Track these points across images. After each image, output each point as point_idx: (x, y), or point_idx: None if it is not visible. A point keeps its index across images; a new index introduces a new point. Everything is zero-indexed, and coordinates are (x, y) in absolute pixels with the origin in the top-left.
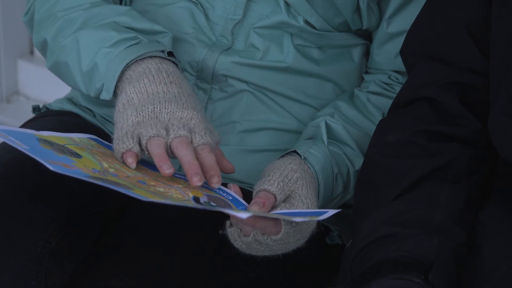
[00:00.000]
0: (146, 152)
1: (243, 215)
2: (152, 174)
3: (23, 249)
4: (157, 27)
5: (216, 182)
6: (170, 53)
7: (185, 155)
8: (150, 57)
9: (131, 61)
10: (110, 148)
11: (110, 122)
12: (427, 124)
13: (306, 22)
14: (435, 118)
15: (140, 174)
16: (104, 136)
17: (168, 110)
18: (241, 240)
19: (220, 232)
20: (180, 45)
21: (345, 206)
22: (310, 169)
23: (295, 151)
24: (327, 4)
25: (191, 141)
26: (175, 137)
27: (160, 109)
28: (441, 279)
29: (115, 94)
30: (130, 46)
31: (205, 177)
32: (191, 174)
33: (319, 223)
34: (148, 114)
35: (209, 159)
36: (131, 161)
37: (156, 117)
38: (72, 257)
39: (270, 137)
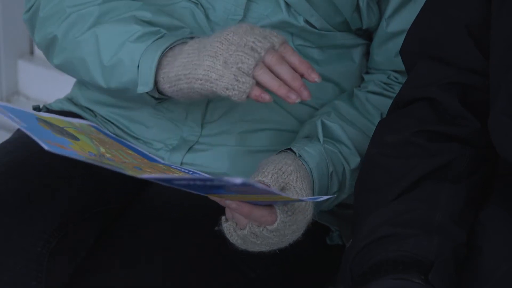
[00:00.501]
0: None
1: (238, 180)
2: (148, 163)
3: (23, 249)
4: (176, 22)
5: (316, 77)
6: None
7: (285, 72)
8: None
9: (166, 49)
10: (110, 136)
11: (111, 122)
12: (427, 124)
13: (306, 21)
14: (435, 118)
15: (137, 162)
16: None
17: (230, 36)
18: (237, 234)
19: (216, 228)
20: None
21: (345, 207)
22: (304, 165)
23: (290, 149)
24: (327, 3)
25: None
26: (266, 54)
27: (225, 37)
28: (441, 279)
29: (156, 84)
30: (156, 40)
31: (303, 75)
32: (300, 89)
33: (319, 222)
34: (222, 49)
35: (294, 57)
36: (267, 96)
37: (232, 44)
38: (72, 257)
39: (270, 138)
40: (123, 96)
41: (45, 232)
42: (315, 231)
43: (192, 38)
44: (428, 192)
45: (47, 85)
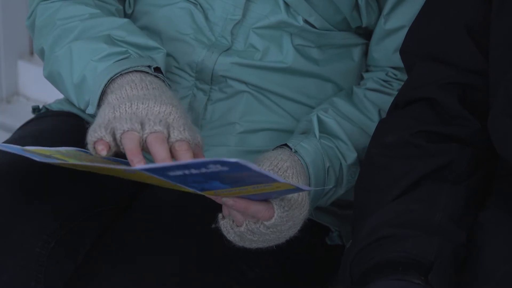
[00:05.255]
0: (122, 147)
1: (232, 160)
2: (142, 175)
3: (22, 250)
4: (151, 43)
5: None
6: (157, 70)
7: (158, 152)
8: (136, 71)
9: (115, 75)
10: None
11: None
12: (427, 125)
13: (306, 21)
14: (435, 118)
15: (132, 172)
16: None
17: (146, 106)
18: (233, 231)
19: (213, 225)
20: (180, 46)
21: (345, 207)
22: (300, 160)
23: (286, 145)
24: (326, 2)
25: (169, 136)
26: (151, 133)
27: (137, 104)
28: (440, 280)
29: (99, 107)
30: (118, 60)
31: None
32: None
33: (319, 222)
34: (125, 110)
35: (185, 157)
36: (101, 148)
37: (133, 113)
38: (71, 257)
39: (270, 138)
40: None
41: (45, 232)
42: (315, 231)
43: (150, 66)
44: (428, 192)
45: (47, 85)
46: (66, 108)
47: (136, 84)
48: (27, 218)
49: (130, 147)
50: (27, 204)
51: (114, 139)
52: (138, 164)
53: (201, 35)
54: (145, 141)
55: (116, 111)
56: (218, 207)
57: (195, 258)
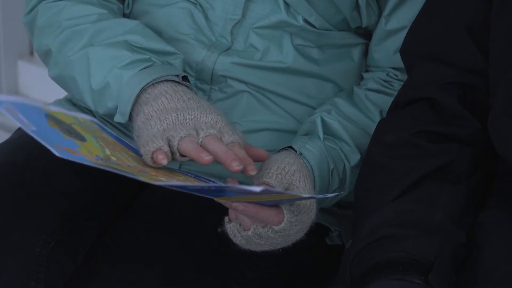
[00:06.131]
0: (178, 155)
1: (257, 188)
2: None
3: (22, 250)
4: (169, 48)
5: (252, 170)
6: (185, 78)
7: (218, 147)
8: (166, 80)
9: (147, 84)
10: (111, 135)
11: (110, 123)
12: (427, 125)
13: (306, 21)
14: (435, 118)
15: (140, 166)
16: None
17: (192, 116)
18: (241, 235)
19: (219, 229)
20: (180, 46)
21: (345, 207)
22: (305, 163)
23: (291, 147)
24: (326, 2)
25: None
26: (206, 136)
27: (184, 115)
28: (440, 280)
29: (130, 117)
30: (144, 68)
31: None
32: (230, 160)
33: (318, 222)
34: (173, 121)
35: (241, 153)
36: (161, 157)
37: (181, 123)
38: (71, 257)
39: (270, 138)
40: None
41: (45, 232)
42: (315, 231)
43: (177, 75)
44: (428, 192)
45: (47, 85)
46: (66, 108)
47: (171, 96)
48: (27, 218)
49: (192, 147)
50: (27, 204)
51: (170, 147)
52: (207, 157)
53: (201, 35)
54: (201, 144)
55: (163, 122)
56: (218, 208)
57: (195, 259)
